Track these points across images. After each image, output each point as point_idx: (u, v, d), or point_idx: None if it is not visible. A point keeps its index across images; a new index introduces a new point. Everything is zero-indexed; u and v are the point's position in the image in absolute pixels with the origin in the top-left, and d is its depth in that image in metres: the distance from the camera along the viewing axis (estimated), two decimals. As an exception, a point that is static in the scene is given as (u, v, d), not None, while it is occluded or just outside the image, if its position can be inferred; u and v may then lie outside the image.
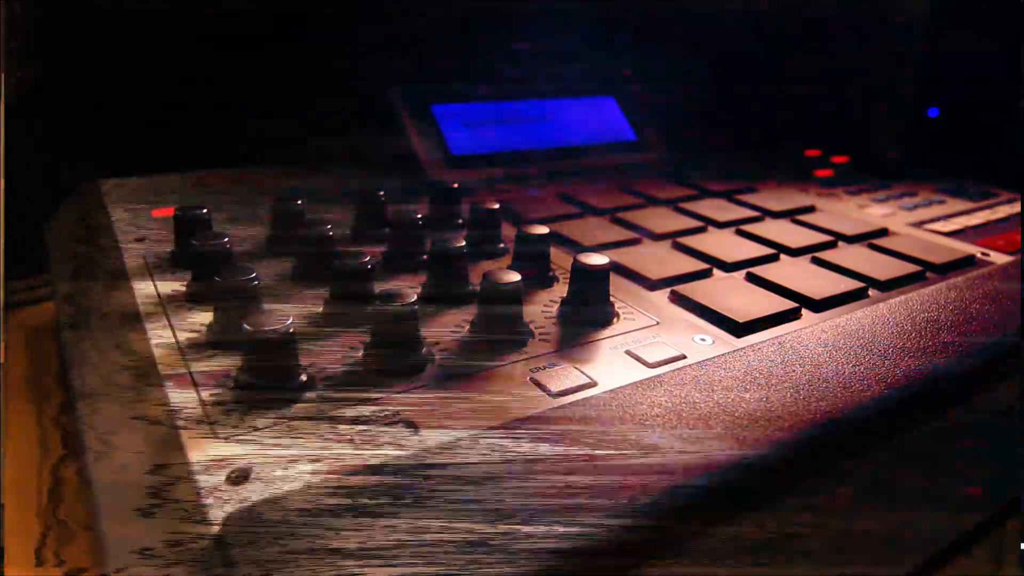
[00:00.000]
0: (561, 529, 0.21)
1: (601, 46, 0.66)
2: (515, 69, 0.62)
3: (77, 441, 0.27)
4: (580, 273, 0.33)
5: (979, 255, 0.46)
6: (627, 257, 0.40)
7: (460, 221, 0.44)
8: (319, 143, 0.55)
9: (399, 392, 0.27)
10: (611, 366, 0.30)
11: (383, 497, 0.21)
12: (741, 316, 0.34)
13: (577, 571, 0.20)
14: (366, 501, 0.21)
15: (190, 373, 0.28)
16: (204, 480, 0.22)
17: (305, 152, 0.54)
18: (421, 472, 0.22)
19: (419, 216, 0.39)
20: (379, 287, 0.33)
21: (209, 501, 0.21)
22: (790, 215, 0.51)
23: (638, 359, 0.30)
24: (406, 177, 0.51)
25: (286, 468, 0.23)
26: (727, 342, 0.33)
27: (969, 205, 0.57)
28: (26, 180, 0.43)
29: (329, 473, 0.22)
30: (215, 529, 0.20)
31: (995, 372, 0.32)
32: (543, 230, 0.38)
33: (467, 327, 0.32)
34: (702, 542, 0.23)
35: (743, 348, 0.31)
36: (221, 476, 0.22)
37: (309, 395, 0.27)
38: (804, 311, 0.36)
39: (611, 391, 0.27)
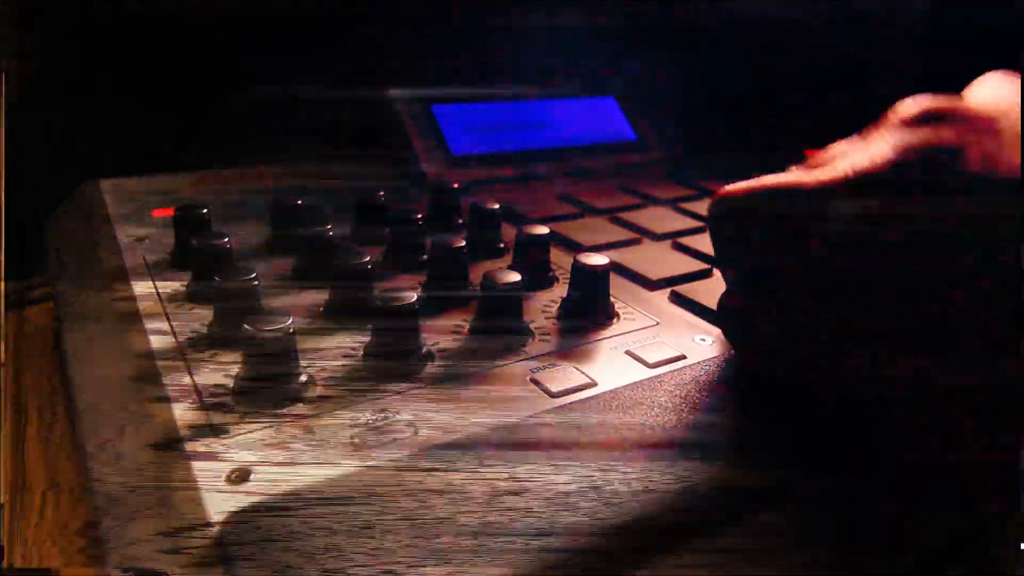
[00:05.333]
0: (561, 529, 0.21)
1: (601, 46, 0.66)
2: (515, 69, 0.62)
3: (77, 441, 0.27)
4: (580, 273, 0.33)
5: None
6: (627, 257, 0.40)
7: (460, 221, 0.44)
8: (319, 143, 0.55)
9: (399, 392, 0.27)
10: (611, 366, 0.30)
11: (383, 497, 0.21)
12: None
13: (576, 572, 0.20)
14: (366, 501, 0.21)
15: (190, 373, 0.28)
16: (204, 480, 0.22)
17: (305, 152, 0.54)
18: (421, 472, 0.22)
19: (419, 216, 0.39)
20: (379, 287, 0.33)
21: (209, 501, 0.21)
22: (790, 215, 0.51)
23: (638, 359, 0.30)
24: (406, 177, 0.51)
25: (286, 468, 0.23)
26: (727, 342, 0.33)
27: (969, 205, 0.57)
28: (26, 180, 0.43)
29: (329, 473, 0.22)
30: (215, 529, 0.20)
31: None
32: (543, 230, 0.38)
33: (467, 327, 0.32)
34: (702, 542, 0.23)
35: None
36: (221, 476, 0.22)
37: (309, 395, 0.27)
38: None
39: (611, 391, 0.27)
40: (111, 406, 0.27)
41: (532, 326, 0.33)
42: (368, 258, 0.33)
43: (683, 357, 0.31)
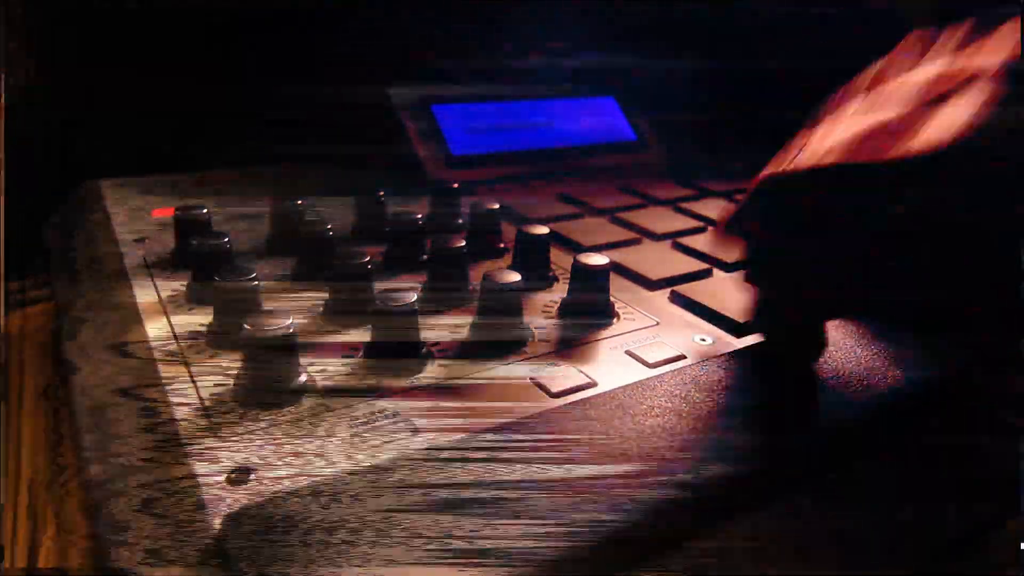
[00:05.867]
0: (560, 529, 0.21)
1: (601, 46, 0.66)
2: (515, 69, 0.62)
3: (76, 441, 0.27)
4: (580, 273, 0.33)
5: (979, 255, 0.46)
6: (627, 257, 0.40)
7: (460, 221, 0.44)
8: (319, 143, 0.55)
9: (399, 392, 0.27)
10: (611, 366, 0.30)
11: (383, 497, 0.21)
12: (741, 316, 0.34)
13: (576, 571, 0.20)
14: (366, 501, 0.21)
15: (190, 373, 0.28)
16: (204, 480, 0.22)
17: (305, 152, 0.54)
18: (421, 472, 0.22)
19: (419, 216, 0.39)
20: (379, 287, 0.33)
21: (209, 501, 0.21)
22: (790, 215, 0.51)
23: (638, 359, 0.30)
24: (406, 177, 0.51)
25: (286, 468, 0.23)
26: (727, 342, 0.33)
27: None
28: (26, 180, 0.43)
29: (329, 473, 0.22)
30: (215, 529, 0.20)
31: (998, 373, 0.32)
32: (543, 230, 0.38)
33: (467, 327, 0.32)
34: (702, 542, 0.23)
35: (743, 348, 0.31)
36: (221, 476, 0.22)
37: (309, 395, 0.27)
38: (804, 311, 0.36)
39: (611, 391, 0.27)
40: (111, 406, 0.27)
41: (532, 326, 0.33)
42: (368, 258, 0.33)
43: (683, 357, 0.31)
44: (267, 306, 0.31)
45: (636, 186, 0.55)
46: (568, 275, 0.34)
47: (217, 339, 0.30)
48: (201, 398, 0.26)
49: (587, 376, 0.29)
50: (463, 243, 0.35)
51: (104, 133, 0.52)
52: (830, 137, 0.25)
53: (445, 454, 0.23)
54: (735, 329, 0.34)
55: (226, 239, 0.35)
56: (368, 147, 0.55)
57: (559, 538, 0.21)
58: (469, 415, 0.26)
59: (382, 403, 0.26)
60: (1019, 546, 0.26)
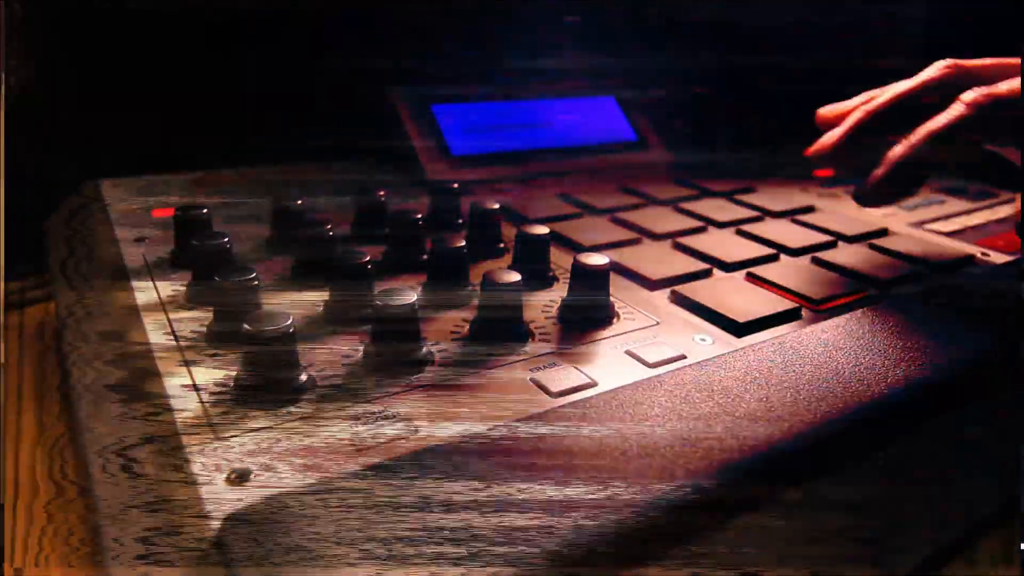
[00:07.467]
0: (560, 529, 0.21)
1: (601, 46, 0.66)
2: (515, 69, 0.62)
3: (76, 441, 0.27)
4: (580, 273, 0.33)
5: (979, 255, 0.46)
6: (627, 257, 0.40)
7: (460, 221, 0.44)
8: (319, 143, 0.55)
9: (399, 392, 0.27)
10: (611, 366, 0.30)
11: (383, 497, 0.21)
12: (741, 316, 0.34)
13: (575, 571, 0.20)
14: (366, 501, 0.21)
15: (190, 373, 0.28)
16: (204, 480, 0.22)
17: (305, 152, 0.54)
18: (421, 472, 0.22)
19: (419, 216, 0.39)
20: (379, 287, 0.33)
21: (209, 501, 0.21)
22: (790, 215, 0.51)
23: (638, 359, 0.30)
24: (406, 177, 0.51)
25: (286, 468, 0.23)
26: (727, 342, 0.33)
27: (969, 205, 0.57)
28: (26, 180, 0.43)
29: (329, 473, 0.22)
30: (214, 529, 0.20)
31: (995, 374, 0.32)
32: (543, 230, 0.38)
33: (467, 327, 0.32)
34: (701, 542, 0.23)
35: (743, 348, 0.31)
36: (221, 476, 0.22)
37: (309, 395, 0.27)
38: (804, 311, 0.36)
39: (611, 391, 0.27)
40: (111, 406, 0.27)
41: (532, 326, 0.33)
42: (368, 258, 0.33)
43: (683, 357, 0.31)
44: (267, 306, 0.31)
45: (636, 186, 0.55)
46: (568, 275, 0.34)
47: (217, 339, 0.30)
48: (201, 398, 0.26)
49: (587, 376, 0.29)
50: (463, 243, 0.35)
51: (104, 133, 0.52)
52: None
53: (444, 454, 0.23)
54: (735, 329, 0.34)
55: (226, 239, 0.35)
56: (368, 147, 0.55)
57: (559, 538, 0.21)
58: (469, 415, 0.26)
59: (381, 403, 0.26)
60: (1019, 546, 0.26)
